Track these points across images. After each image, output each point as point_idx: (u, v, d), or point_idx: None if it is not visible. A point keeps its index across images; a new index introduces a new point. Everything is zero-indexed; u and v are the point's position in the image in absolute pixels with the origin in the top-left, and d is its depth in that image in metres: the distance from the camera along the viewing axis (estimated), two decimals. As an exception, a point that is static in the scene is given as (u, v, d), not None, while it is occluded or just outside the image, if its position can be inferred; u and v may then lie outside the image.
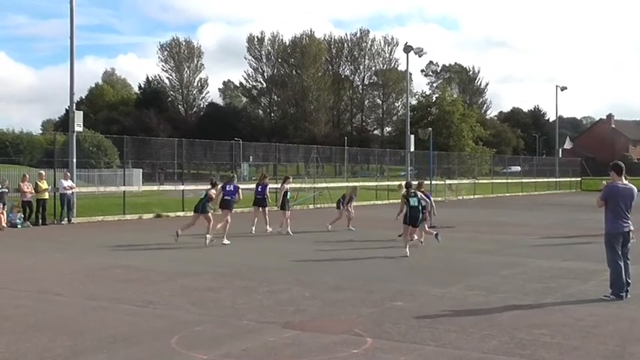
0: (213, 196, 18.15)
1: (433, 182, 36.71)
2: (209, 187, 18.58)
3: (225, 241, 17.55)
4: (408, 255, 15.00)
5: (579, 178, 67.05)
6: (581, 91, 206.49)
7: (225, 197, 18.41)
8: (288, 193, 21.44)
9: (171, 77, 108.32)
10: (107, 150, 50.96)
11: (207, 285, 11.24)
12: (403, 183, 17.56)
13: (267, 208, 21.35)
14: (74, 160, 26.22)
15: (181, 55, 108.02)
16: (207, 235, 17.30)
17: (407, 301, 9.84)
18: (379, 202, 38.16)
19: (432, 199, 19.90)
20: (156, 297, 10.19)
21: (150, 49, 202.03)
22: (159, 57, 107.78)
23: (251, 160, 47.25)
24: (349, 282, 11.53)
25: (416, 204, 15.82)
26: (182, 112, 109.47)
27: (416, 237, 16.71)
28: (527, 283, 11.56)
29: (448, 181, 47.64)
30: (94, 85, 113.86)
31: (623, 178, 10.36)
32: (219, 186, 18.57)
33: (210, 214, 17.99)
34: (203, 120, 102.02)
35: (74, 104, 26.54)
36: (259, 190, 21.56)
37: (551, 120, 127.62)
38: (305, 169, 42.42)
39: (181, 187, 31.07)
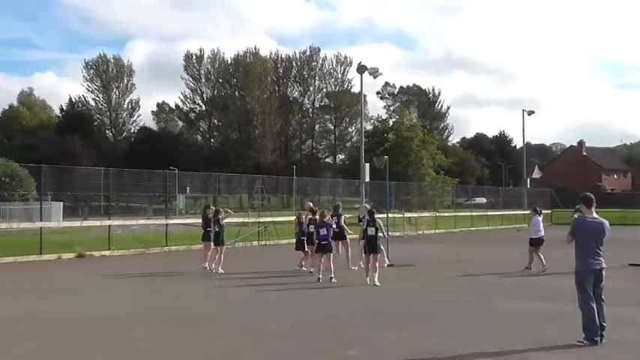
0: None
1: (390, 215, 36.88)
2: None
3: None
4: (378, 284, 16.74)
5: (549, 211, 68.33)
6: (550, 115, 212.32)
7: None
8: (224, 227, 21.22)
9: (97, 98, 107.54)
10: (22, 180, 49.85)
11: (133, 335, 11.01)
12: (365, 204, 18.60)
13: (210, 243, 21.21)
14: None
15: (109, 73, 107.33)
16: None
17: (361, 349, 9.82)
18: (331, 238, 38.29)
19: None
20: (73, 349, 9.95)
21: (72, 66, 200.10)
22: (84, 76, 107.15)
23: (188, 191, 47.02)
24: (296, 328, 11.46)
25: (373, 233, 17.28)
26: (110, 138, 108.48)
27: (377, 265, 17.71)
28: (491, 326, 11.66)
29: (407, 214, 48.01)
30: (7, 107, 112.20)
31: (593, 210, 10.47)
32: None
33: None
34: (134, 147, 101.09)
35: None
36: (205, 224, 21.66)
37: (518, 147, 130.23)
38: (249, 201, 42.27)
39: (108, 223, 30.56)
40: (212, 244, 20.84)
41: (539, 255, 21.28)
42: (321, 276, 17.83)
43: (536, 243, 21.53)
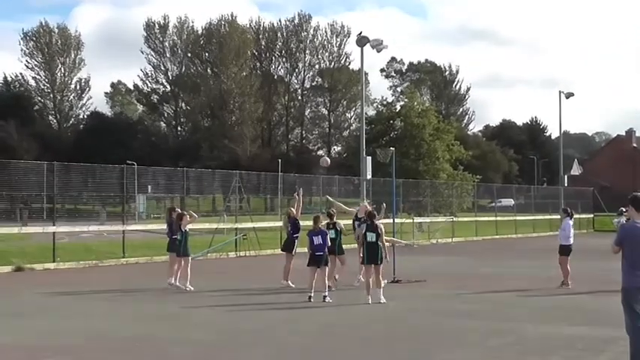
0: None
1: (397, 220, 36.86)
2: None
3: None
4: (383, 301, 17.09)
5: (591, 215, 68.58)
6: (593, 99, 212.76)
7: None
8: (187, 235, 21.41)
9: (38, 77, 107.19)
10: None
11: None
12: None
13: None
14: None
15: (52, 46, 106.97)
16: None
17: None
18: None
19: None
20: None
21: (6, 38, 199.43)
22: (21, 49, 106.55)
23: (149, 190, 46.97)
24: (285, 359, 11.50)
25: (374, 239, 17.45)
26: (54, 125, 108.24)
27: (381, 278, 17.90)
28: (522, 356, 11.73)
29: (417, 219, 48.10)
30: None
31: None
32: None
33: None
34: (83, 136, 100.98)
35: None
36: (171, 230, 21.89)
37: (553, 137, 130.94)
38: (224, 203, 42.29)
39: (52, 229, 30.54)
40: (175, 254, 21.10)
41: (567, 267, 21.46)
42: (312, 294, 17.86)
43: (567, 251, 21.66)
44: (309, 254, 18.25)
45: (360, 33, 42.75)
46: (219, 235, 36.78)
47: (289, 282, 20.68)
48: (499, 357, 11.63)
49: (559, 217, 24.62)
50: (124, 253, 30.92)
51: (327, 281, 18.05)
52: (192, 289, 20.31)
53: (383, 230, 18.00)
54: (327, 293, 17.77)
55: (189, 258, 21.26)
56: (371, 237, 17.56)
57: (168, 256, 21.93)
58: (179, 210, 22.80)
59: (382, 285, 17.80)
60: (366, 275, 17.81)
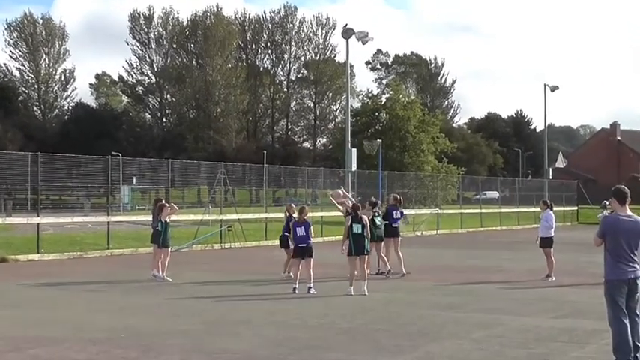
0: None
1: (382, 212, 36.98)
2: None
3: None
4: (366, 293, 17.31)
5: (575, 208, 68.85)
6: (578, 92, 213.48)
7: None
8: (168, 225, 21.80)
9: (23, 67, 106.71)
10: None
11: (71, 357, 11.06)
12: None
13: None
14: None
15: (37, 37, 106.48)
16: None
17: (346, 375, 9.92)
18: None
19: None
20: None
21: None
22: (5, 40, 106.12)
23: (134, 182, 46.90)
24: (269, 349, 11.52)
25: (360, 231, 17.73)
26: (39, 116, 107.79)
27: (367, 270, 18.36)
28: (506, 348, 11.78)
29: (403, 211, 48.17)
30: None
31: (627, 207, 10.45)
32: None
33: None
34: (68, 127, 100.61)
35: None
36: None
37: (538, 130, 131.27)
38: (209, 194, 42.27)
39: (36, 220, 30.46)
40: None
41: (552, 259, 21.56)
42: (297, 285, 17.92)
43: (550, 243, 21.73)
44: (294, 245, 18.36)
45: (346, 25, 42.74)
46: (205, 226, 36.76)
47: (290, 273, 20.55)
48: (484, 349, 11.68)
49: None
50: (108, 244, 30.88)
51: (311, 272, 18.04)
52: (169, 280, 20.44)
53: (367, 221, 18.23)
54: (311, 284, 17.82)
55: (169, 249, 21.53)
56: (357, 228, 17.74)
57: (152, 247, 21.99)
58: (164, 202, 22.91)
59: (367, 276, 17.90)
60: (351, 267, 17.88)
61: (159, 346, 11.76)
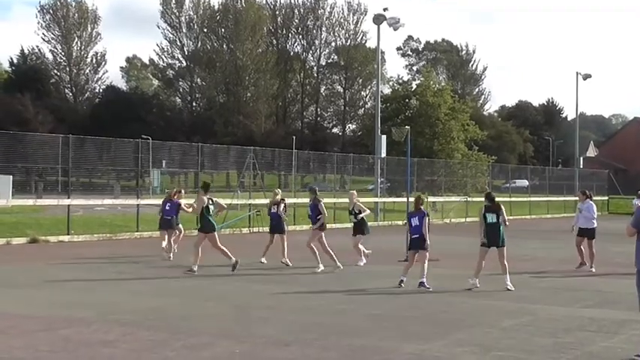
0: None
1: (411, 199, 36.87)
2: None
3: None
4: (477, 286, 16.86)
5: (606, 197, 68.34)
6: (610, 81, 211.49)
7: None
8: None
9: (55, 50, 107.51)
10: (-37, 149, 50.06)
11: (99, 338, 11.11)
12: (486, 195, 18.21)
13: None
14: None
15: (69, 20, 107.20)
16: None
17: (373, 362, 9.89)
18: (339, 226, 38.28)
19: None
20: (29, 353, 10.04)
21: (23, 10, 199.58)
22: (38, 22, 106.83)
23: (164, 165, 47.01)
24: (296, 335, 11.51)
25: (494, 220, 17.16)
26: (70, 99, 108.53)
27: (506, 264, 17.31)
28: (534, 337, 11.71)
29: (432, 199, 48.00)
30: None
31: None
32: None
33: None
34: (99, 110, 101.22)
35: None
36: (167, 209, 23.01)
37: (569, 118, 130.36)
38: (238, 179, 42.31)
39: (67, 202, 30.66)
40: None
41: (593, 250, 21.34)
42: (404, 278, 17.11)
43: (589, 233, 21.52)
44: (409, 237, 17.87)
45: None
46: (233, 210, 36.80)
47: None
48: (513, 337, 11.61)
49: (575, 198, 24.51)
50: (137, 226, 31.03)
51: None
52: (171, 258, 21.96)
53: (504, 211, 17.83)
54: (424, 279, 16.86)
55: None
56: (491, 218, 17.30)
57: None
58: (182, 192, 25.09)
59: (507, 270, 17.34)
60: (480, 258, 17.35)
61: (186, 329, 11.80)
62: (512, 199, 58.27)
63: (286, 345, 10.80)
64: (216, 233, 19.35)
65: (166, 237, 22.49)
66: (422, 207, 17.61)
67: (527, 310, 14.28)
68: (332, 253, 19.67)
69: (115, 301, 14.70)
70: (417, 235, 17.14)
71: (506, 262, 17.09)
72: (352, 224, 21.98)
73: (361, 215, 21.69)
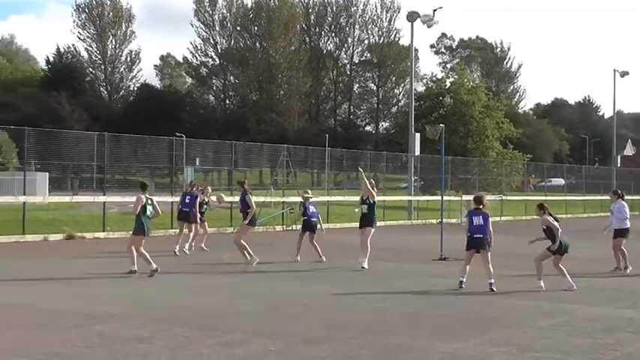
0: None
1: (446, 198, 36.74)
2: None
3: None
4: (543, 288, 16.67)
5: (643, 197, 67.72)
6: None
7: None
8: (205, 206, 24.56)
9: (90, 49, 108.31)
10: (1, 146, 50.62)
11: (134, 333, 11.17)
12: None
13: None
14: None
15: (104, 18, 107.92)
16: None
17: (408, 361, 9.87)
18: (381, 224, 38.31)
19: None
20: (65, 348, 10.12)
21: (58, 9, 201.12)
22: (74, 21, 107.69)
23: (197, 163, 47.22)
24: (330, 332, 11.51)
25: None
26: (105, 97, 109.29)
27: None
28: (571, 337, 11.62)
29: (465, 197, 47.77)
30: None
31: None
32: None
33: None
34: (133, 107, 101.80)
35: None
36: (186, 201, 23.81)
37: (606, 116, 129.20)
38: (271, 176, 42.40)
39: (102, 199, 30.90)
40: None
41: (624, 249, 21.12)
42: (464, 279, 16.82)
43: (623, 234, 21.31)
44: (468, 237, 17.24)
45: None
46: (266, 208, 36.87)
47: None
48: (549, 337, 11.53)
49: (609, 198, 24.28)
50: (172, 224, 31.17)
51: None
52: (186, 252, 22.73)
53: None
54: (492, 280, 16.62)
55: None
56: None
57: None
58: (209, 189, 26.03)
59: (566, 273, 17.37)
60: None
61: (221, 326, 11.83)
62: (548, 197, 57.85)
63: (320, 343, 10.80)
64: (144, 238, 18.10)
65: (185, 230, 23.38)
66: (485, 206, 17.27)
67: (563, 310, 14.18)
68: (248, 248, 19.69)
69: (148, 297, 14.79)
70: (481, 235, 16.77)
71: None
72: (361, 214, 20.94)
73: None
